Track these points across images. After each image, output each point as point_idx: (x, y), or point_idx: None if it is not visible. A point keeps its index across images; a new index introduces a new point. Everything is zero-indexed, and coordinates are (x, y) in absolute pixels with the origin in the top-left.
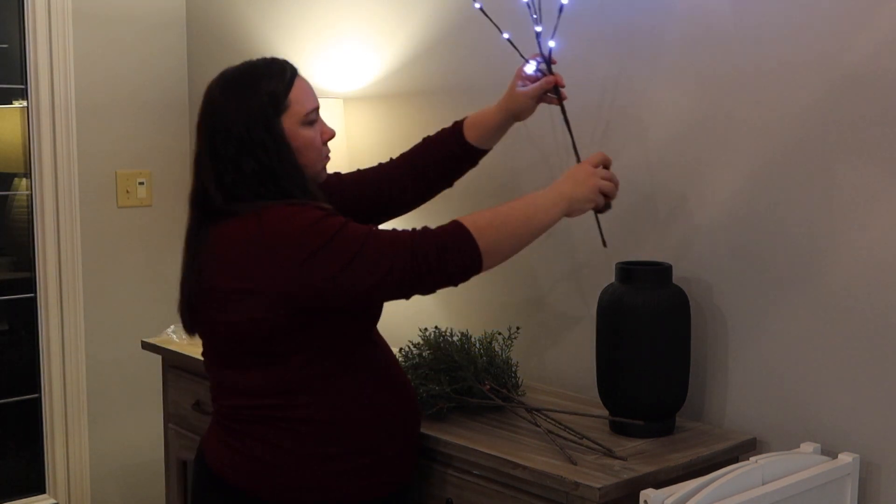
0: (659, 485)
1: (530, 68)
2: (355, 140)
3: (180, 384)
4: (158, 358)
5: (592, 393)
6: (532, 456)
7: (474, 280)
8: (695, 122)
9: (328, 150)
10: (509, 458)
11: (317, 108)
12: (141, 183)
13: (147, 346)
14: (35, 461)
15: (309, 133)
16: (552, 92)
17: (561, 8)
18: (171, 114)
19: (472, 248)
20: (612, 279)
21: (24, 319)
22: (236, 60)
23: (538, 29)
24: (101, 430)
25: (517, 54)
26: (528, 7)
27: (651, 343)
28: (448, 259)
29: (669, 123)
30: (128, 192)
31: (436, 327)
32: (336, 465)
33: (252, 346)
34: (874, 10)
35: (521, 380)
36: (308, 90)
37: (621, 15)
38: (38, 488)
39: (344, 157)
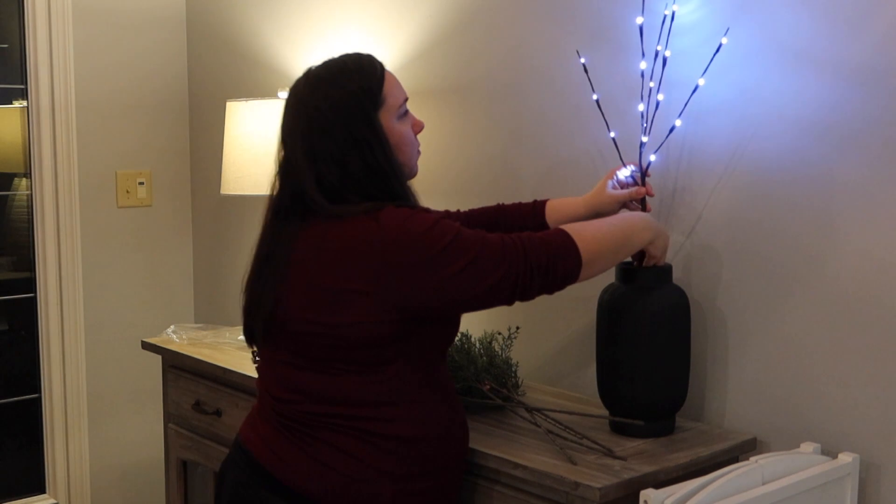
0: (659, 485)
1: (624, 174)
2: None
3: (180, 384)
4: (158, 358)
5: (592, 393)
6: (532, 456)
7: None
8: (695, 122)
9: (419, 144)
10: (509, 458)
11: (406, 99)
12: (141, 183)
13: (147, 346)
14: (35, 461)
15: (404, 127)
16: (639, 201)
17: (672, 129)
18: (171, 114)
19: (576, 257)
20: (612, 279)
21: (24, 319)
22: (236, 60)
23: (644, 139)
24: (101, 430)
25: (521, 55)
26: (641, 117)
27: (651, 343)
28: (558, 266)
29: (669, 123)
30: (128, 192)
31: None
32: (409, 484)
33: (353, 351)
34: (874, 10)
35: (521, 380)
36: (397, 82)
37: (625, 13)
38: (38, 488)
39: None
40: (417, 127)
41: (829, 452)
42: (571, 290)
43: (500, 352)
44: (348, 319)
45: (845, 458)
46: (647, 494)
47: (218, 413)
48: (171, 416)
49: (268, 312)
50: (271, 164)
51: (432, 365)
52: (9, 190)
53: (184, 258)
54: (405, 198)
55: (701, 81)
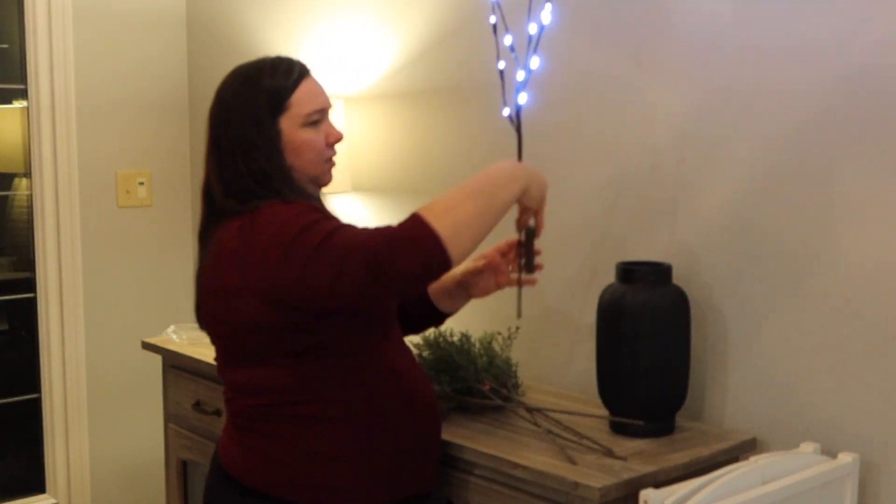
0: (659, 485)
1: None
2: (356, 140)
3: (180, 384)
4: (158, 358)
5: (592, 393)
6: (532, 456)
7: None
8: (695, 122)
9: (333, 153)
10: (509, 458)
11: (322, 110)
12: (141, 183)
13: (147, 346)
14: (35, 461)
15: (309, 135)
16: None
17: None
18: (171, 114)
19: (431, 236)
20: (612, 279)
21: (24, 319)
22: (236, 60)
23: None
24: (101, 430)
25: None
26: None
27: (651, 343)
28: (399, 251)
29: (669, 123)
30: (128, 192)
31: (436, 327)
32: (349, 465)
33: (259, 344)
34: (874, 10)
35: (521, 380)
36: (315, 91)
37: (625, 16)
38: (38, 488)
39: (345, 157)
40: (332, 137)
41: (829, 452)
42: (571, 290)
43: (500, 352)
44: (245, 317)
45: (845, 458)
46: (646, 494)
47: (218, 413)
48: (171, 416)
49: (198, 312)
50: None
51: (361, 351)
52: (9, 190)
53: (184, 258)
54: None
55: (534, 62)
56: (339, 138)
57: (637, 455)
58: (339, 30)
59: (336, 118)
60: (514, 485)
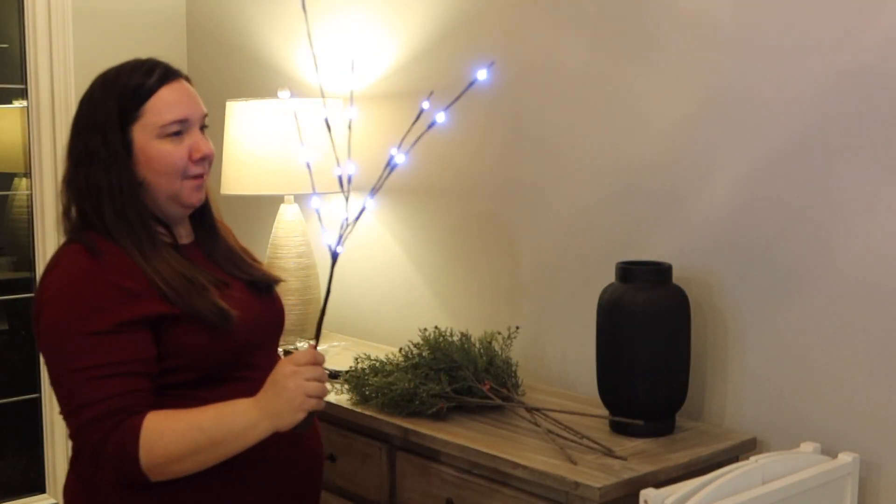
0: (659, 485)
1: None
2: (355, 140)
3: None
4: None
5: (592, 393)
6: (532, 456)
7: (474, 280)
8: (695, 122)
9: (199, 170)
10: (509, 457)
11: (184, 120)
12: None
13: None
14: (35, 461)
15: (165, 147)
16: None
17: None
18: None
19: (133, 463)
20: (612, 279)
21: (24, 319)
22: (236, 60)
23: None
24: None
25: (521, 55)
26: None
27: (651, 343)
28: (101, 464)
29: (669, 123)
30: None
31: (436, 327)
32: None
33: None
34: (874, 10)
35: (521, 380)
36: (177, 99)
37: (625, 17)
38: (38, 488)
39: (344, 157)
40: (196, 153)
41: (829, 452)
42: (571, 290)
43: (500, 352)
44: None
45: (845, 458)
46: (647, 494)
47: None
48: None
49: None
50: (271, 164)
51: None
52: (9, 190)
53: None
54: (116, 227)
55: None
56: (204, 154)
57: (637, 455)
58: (340, 29)
59: (335, 118)
60: (514, 485)
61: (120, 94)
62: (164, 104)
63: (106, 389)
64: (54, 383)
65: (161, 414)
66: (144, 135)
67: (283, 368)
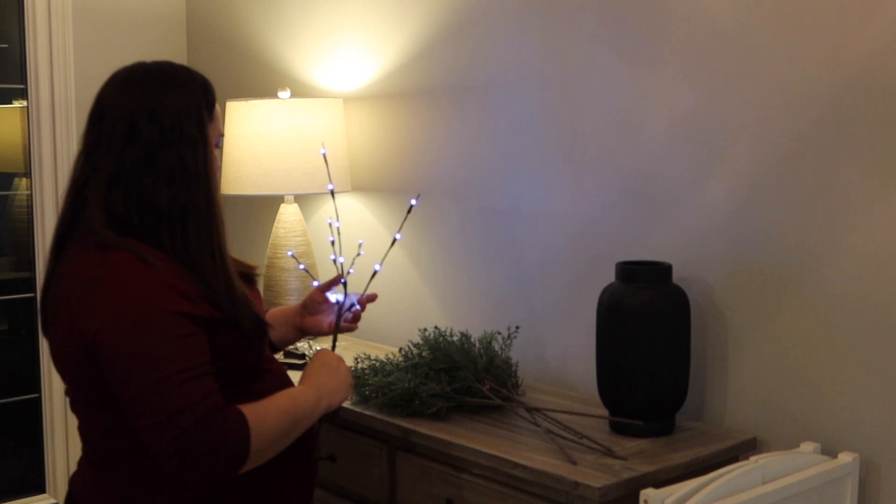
0: (659, 485)
1: (334, 297)
2: (355, 140)
3: None
4: None
5: (592, 393)
6: (532, 456)
7: (474, 280)
8: (695, 123)
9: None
10: (509, 457)
11: (223, 135)
12: None
13: None
14: (35, 461)
15: (216, 153)
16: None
17: (374, 273)
18: None
19: (245, 454)
20: (612, 279)
21: (24, 319)
22: (236, 60)
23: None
24: None
25: (514, 57)
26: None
27: (651, 343)
28: (215, 461)
29: (669, 123)
30: None
31: (436, 327)
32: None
33: (101, 391)
34: (874, 10)
35: (521, 380)
36: (221, 114)
37: (625, 17)
38: (38, 488)
39: (344, 156)
40: (215, 164)
41: (829, 452)
42: (571, 290)
43: (500, 352)
44: (80, 367)
45: (845, 458)
46: (647, 494)
47: None
48: None
49: (45, 333)
50: (272, 163)
51: (232, 384)
52: (9, 190)
53: None
54: (171, 237)
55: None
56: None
57: (637, 455)
58: (339, 28)
59: (335, 117)
60: (514, 485)
61: (202, 94)
62: (219, 115)
63: (203, 389)
64: (137, 395)
65: (249, 406)
66: (211, 136)
67: (329, 355)
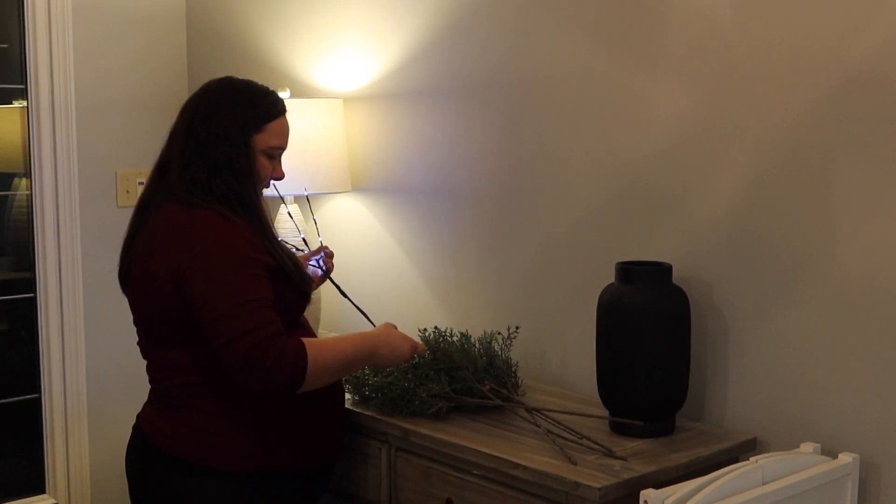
0: (659, 485)
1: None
2: (355, 140)
3: None
4: None
5: (592, 393)
6: (532, 456)
7: (474, 280)
8: (695, 123)
9: (266, 187)
10: (509, 458)
11: (283, 148)
12: (141, 183)
13: None
14: (35, 461)
15: (264, 161)
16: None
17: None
18: (171, 114)
19: (302, 371)
20: (612, 279)
21: (24, 319)
22: (236, 60)
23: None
24: (101, 430)
25: (520, 55)
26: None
27: (651, 343)
28: (277, 375)
29: (669, 124)
30: (128, 192)
31: (436, 327)
32: (266, 433)
33: (181, 328)
34: (874, 10)
35: (521, 380)
36: (286, 129)
37: (625, 17)
38: (38, 488)
39: (344, 156)
40: (277, 173)
41: (829, 452)
42: (571, 290)
43: (500, 352)
44: (166, 304)
45: (845, 458)
46: (647, 494)
47: None
48: None
49: (123, 284)
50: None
51: None
52: (9, 190)
53: None
54: (241, 201)
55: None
56: (281, 177)
57: (637, 455)
58: (339, 29)
59: (335, 117)
60: (514, 485)
61: (255, 107)
62: (278, 130)
63: (269, 316)
64: (219, 316)
65: (312, 340)
66: (258, 145)
67: (404, 339)
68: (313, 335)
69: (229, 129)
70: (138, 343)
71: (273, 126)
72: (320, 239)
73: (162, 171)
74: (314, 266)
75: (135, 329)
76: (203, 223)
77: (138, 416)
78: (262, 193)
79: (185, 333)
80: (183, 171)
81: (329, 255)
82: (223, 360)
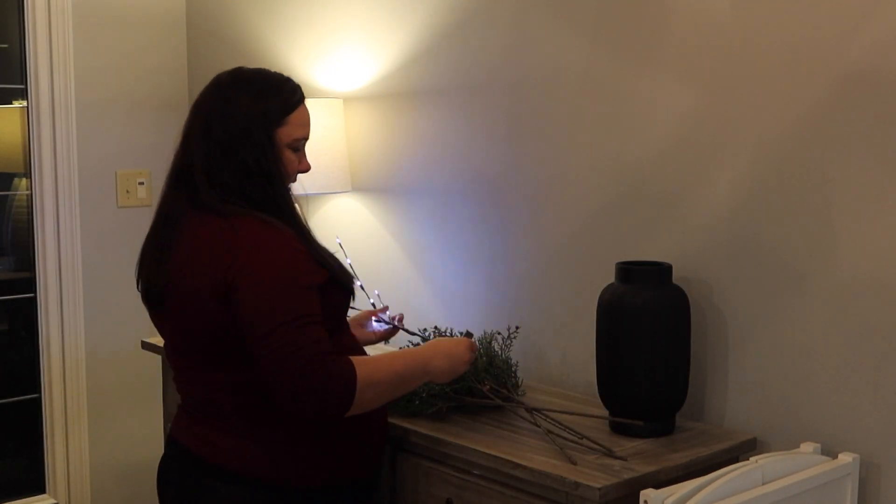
0: (659, 485)
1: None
2: (355, 140)
3: None
4: (158, 358)
5: (592, 393)
6: (532, 456)
7: (474, 280)
8: (695, 123)
9: (294, 181)
10: (509, 458)
11: (307, 139)
12: (141, 183)
13: (147, 346)
14: (35, 461)
15: (289, 156)
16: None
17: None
18: (171, 114)
19: (351, 395)
20: (612, 279)
21: (24, 319)
22: (236, 60)
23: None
24: (101, 429)
25: (513, 57)
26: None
27: (651, 343)
28: (324, 399)
29: (670, 124)
30: (128, 192)
31: (435, 327)
32: (318, 446)
33: (230, 346)
34: (873, 10)
35: (521, 380)
36: (307, 118)
37: (625, 16)
38: (38, 488)
39: (344, 156)
40: (303, 166)
41: (829, 452)
42: (571, 290)
43: (500, 352)
44: (216, 321)
45: (845, 458)
46: (647, 494)
47: None
48: (170, 416)
49: (147, 296)
50: None
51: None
52: (9, 190)
53: None
54: (282, 207)
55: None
56: (307, 170)
57: (637, 455)
58: (339, 28)
59: (335, 117)
60: (514, 485)
61: (276, 99)
62: (301, 120)
63: (318, 334)
64: (265, 335)
65: (363, 359)
66: (283, 140)
67: (461, 348)
68: (356, 340)
69: (251, 127)
70: (171, 363)
71: (295, 117)
72: (377, 292)
73: (181, 179)
74: (379, 323)
75: (135, 330)
76: (247, 232)
77: (173, 433)
78: (291, 189)
79: (230, 350)
80: (210, 180)
81: (400, 320)
82: (268, 380)
